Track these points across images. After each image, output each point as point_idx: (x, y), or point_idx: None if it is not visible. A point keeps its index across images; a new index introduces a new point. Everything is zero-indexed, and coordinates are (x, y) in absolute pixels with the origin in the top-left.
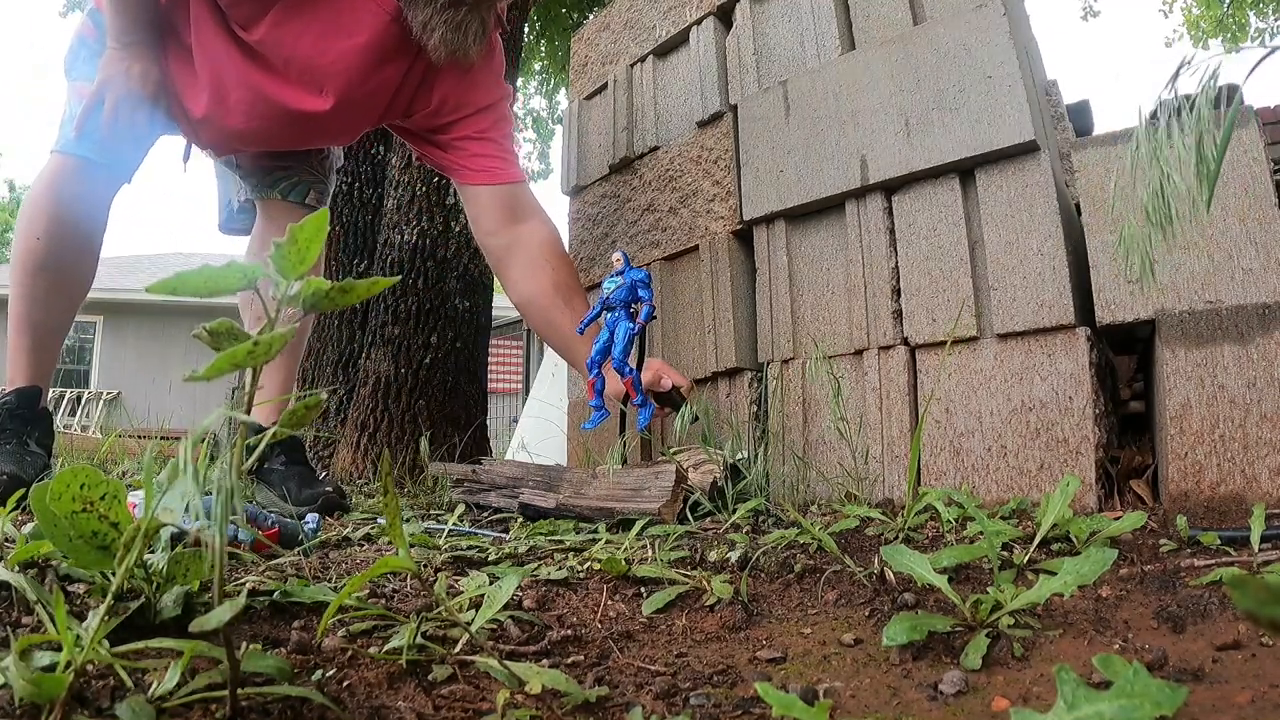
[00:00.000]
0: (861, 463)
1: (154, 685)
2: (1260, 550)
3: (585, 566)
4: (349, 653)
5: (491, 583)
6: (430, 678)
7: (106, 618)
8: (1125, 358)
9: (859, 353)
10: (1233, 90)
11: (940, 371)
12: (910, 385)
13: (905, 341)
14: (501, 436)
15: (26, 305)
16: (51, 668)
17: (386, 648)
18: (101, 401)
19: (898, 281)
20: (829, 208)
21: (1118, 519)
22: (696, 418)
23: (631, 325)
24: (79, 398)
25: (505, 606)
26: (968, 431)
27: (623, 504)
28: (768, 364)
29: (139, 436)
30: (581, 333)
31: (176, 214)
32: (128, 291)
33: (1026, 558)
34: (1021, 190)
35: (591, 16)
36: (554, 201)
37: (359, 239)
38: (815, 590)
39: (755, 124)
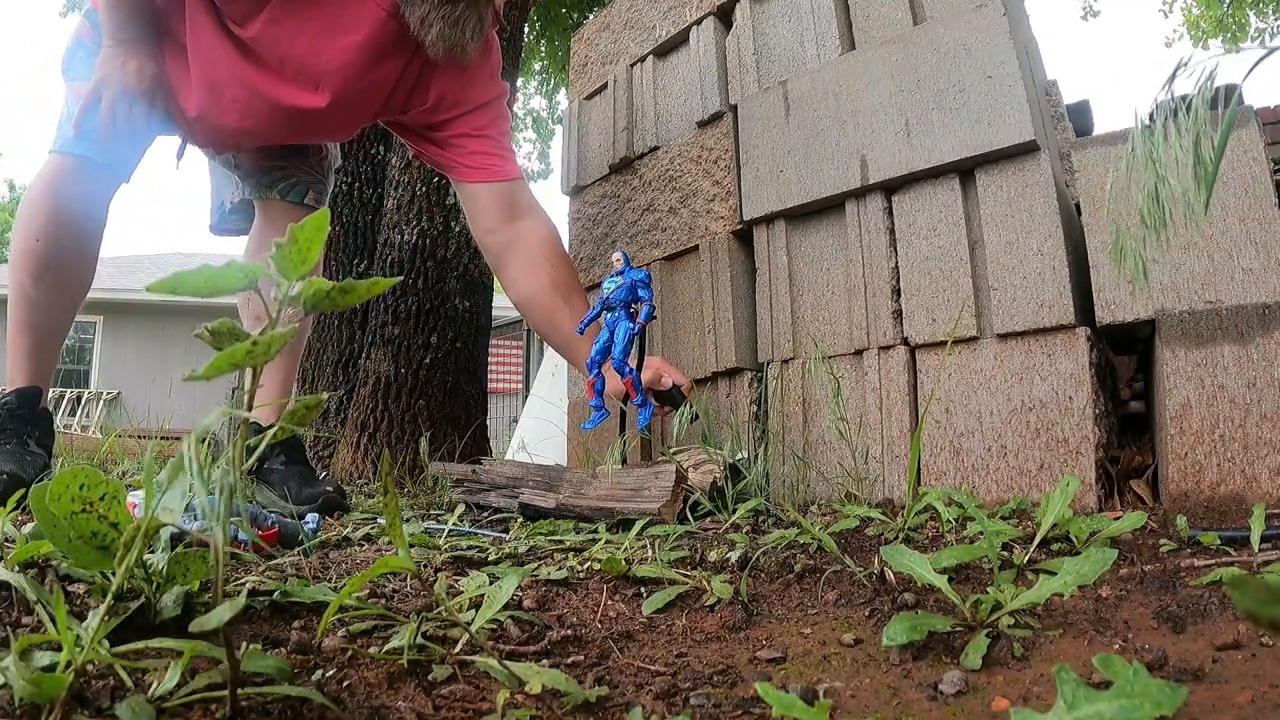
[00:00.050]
0: (861, 463)
1: (154, 685)
2: (1260, 550)
3: (585, 566)
4: (349, 653)
5: (491, 583)
6: (430, 678)
7: (106, 618)
8: (1125, 358)
9: (859, 353)
10: (1230, 90)
11: (940, 371)
12: (910, 385)
13: (905, 341)
14: (501, 436)
15: (26, 305)
16: (51, 668)
17: (386, 648)
18: (101, 401)
19: (898, 281)
20: (829, 208)
21: (1118, 519)
22: (696, 416)
23: (631, 325)
24: (79, 398)
25: (505, 606)
26: (968, 431)
27: (623, 504)
28: (768, 364)
29: (139, 436)
30: (581, 333)
31: (176, 214)
32: (128, 291)
33: (1026, 558)
34: (1021, 190)
35: (591, 16)
36: (554, 201)
37: (359, 239)
38: (815, 590)
39: (755, 124)
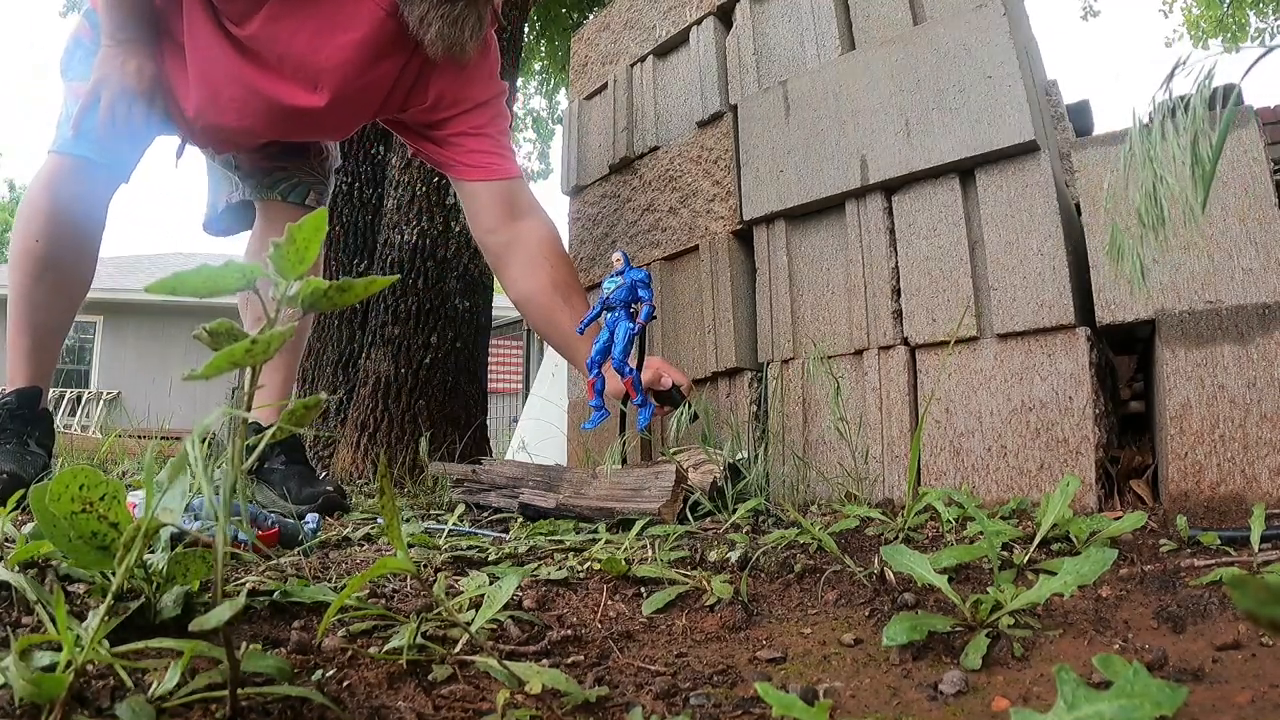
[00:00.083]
0: (861, 463)
1: (154, 685)
2: (1260, 550)
3: (585, 566)
4: (349, 653)
5: (491, 583)
6: (430, 678)
7: (106, 618)
8: (1125, 358)
9: (859, 353)
10: (1228, 90)
11: (940, 371)
12: (910, 385)
13: (905, 341)
14: (501, 436)
15: (26, 306)
16: (51, 668)
17: (386, 648)
18: (101, 401)
19: (898, 281)
20: (829, 208)
21: (1118, 519)
22: (696, 416)
23: (631, 325)
24: (79, 398)
25: (505, 606)
26: (968, 431)
27: (623, 504)
28: (768, 364)
29: (139, 436)
30: (581, 333)
31: (176, 214)
32: (128, 291)
33: (1026, 558)
34: (1021, 190)
35: (591, 16)
36: (554, 201)
37: (359, 239)
38: (815, 590)
39: (755, 124)
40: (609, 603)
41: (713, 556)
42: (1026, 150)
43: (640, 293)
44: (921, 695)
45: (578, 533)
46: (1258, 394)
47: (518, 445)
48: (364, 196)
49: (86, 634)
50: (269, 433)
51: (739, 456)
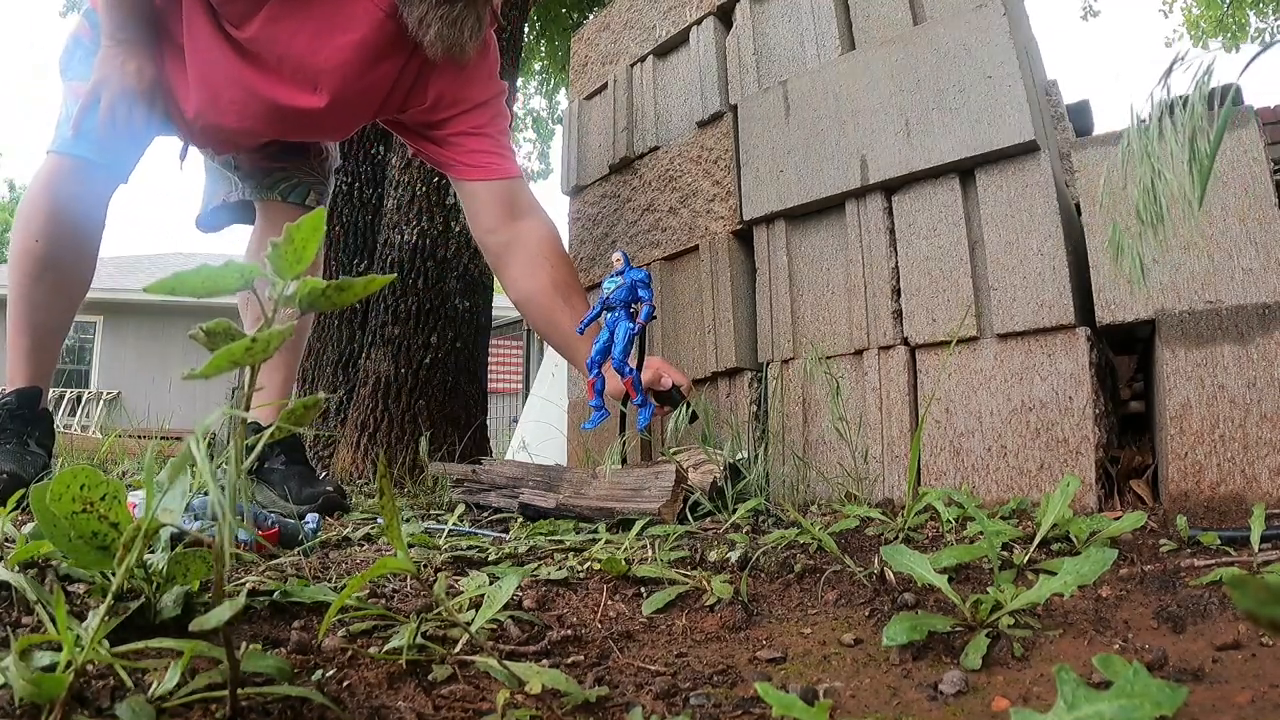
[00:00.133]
0: (861, 463)
1: (154, 685)
2: (1260, 550)
3: (585, 566)
4: (349, 653)
5: (491, 583)
6: (430, 678)
7: (106, 618)
8: (1125, 358)
9: (859, 353)
10: (1226, 89)
11: (940, 371)
12: (910, 385)
13: (905, 341)
14: (501, 436)
15: (26, 306)
16: (51, 668)
17: (386, 648)
18: (101, 401)
19: (898, 281)
20: (829, 208)
21: (1118, 519)
22: (696, 417)
23: (631, 325)
24: (79, 398)
25: (505, 606)
26: (968, 431)
27: (623, 504)
28: (768, 364)
29: (139, 436)
30: (581, 333)
31: (176, 214)
32: (128, 291)
33: (1026, 558)
34: (1021, 190)
35: (591, 16)
36: (554, 201)
37: (359, 239)
38: (815, 590)
39: (755, 124)
40: (609, 603)
41: (713, 556)
42: (1026, 150)
43: (640, 293)
44: (921, 695)
45: (578, 533)
46: (1258, 394)
47: (518, 445)
48: (364, 196)
49: (86, 634)
50: (268, 432)
51: (739, 456)
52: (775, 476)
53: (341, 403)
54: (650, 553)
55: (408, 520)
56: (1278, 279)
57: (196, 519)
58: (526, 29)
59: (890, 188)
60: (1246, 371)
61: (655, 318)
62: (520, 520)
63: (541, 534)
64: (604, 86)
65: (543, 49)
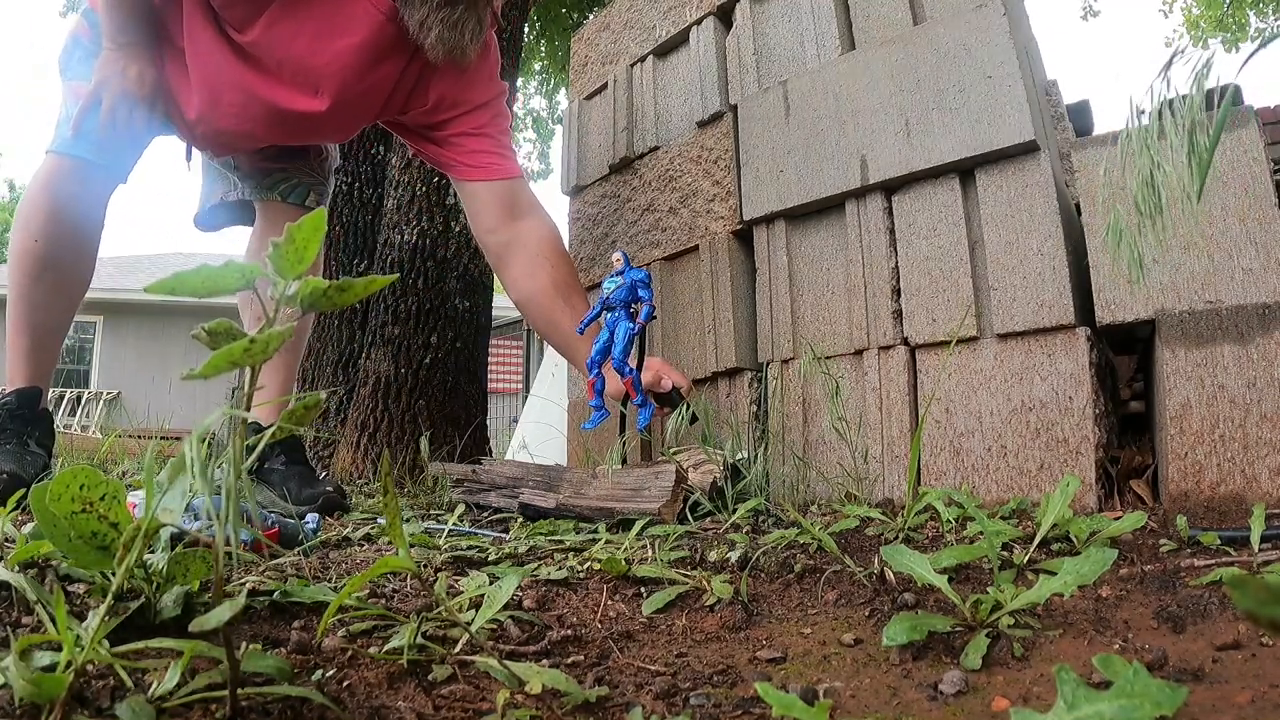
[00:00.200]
0: (861, 463)
1: (154, 685)
2: (1260, 550)
3: (585, 566)
4: (349, 653)
5: (491, 583)
6: (430, 678)
7: (106, 618)
8: (1125, 358)
9: (859, 353)
10: (1225, 89)
11: (940, 371)
12: (910, 385)
13: (905, 341)
14: (501, 436)
15: (25, 306)
16: (51, 668)
17: (386, 648)
18: (101, 401)
19: (898, 281)
20: (829, 208)
21: (1118, 519)
22: (696, 418)
23: (631, 325)
24: (79, 398)
25: (505, 606)
26: (968, 431)
27: (623, 504)
28: (768, 364)
29: (139, 436)
30: (581, 333)
31: (176, 214)
32: (128, 291)
33: (1026, 558)
34: (1021, 190)
35: (591, 16)
36: (554, 201)
37: (359, 239)
38: (815, 590)
39: (755, 124)
40: (609, 603)
41: (713, 556)
42: (1026, 150)
43: (640, 293)
44: (921, 695)
45: (578, 533)
46: (1258, 394)
47: (518, 445)
48: (364, 196)
49: (86, 634)
50: (269, 433)
51: (739, 456)
52: (775, 476)
53: (341, 403)
54: (650, 553)
55: (408, 520)
56: (1278, 279)
57: (197, 519)
58: (526, 29)
59: (890, 188)
60: (1246, 371)
61: (655, 318)
62: (520, 520)
63: (541, 534)
64: (604, 86)
65: (543, 49)
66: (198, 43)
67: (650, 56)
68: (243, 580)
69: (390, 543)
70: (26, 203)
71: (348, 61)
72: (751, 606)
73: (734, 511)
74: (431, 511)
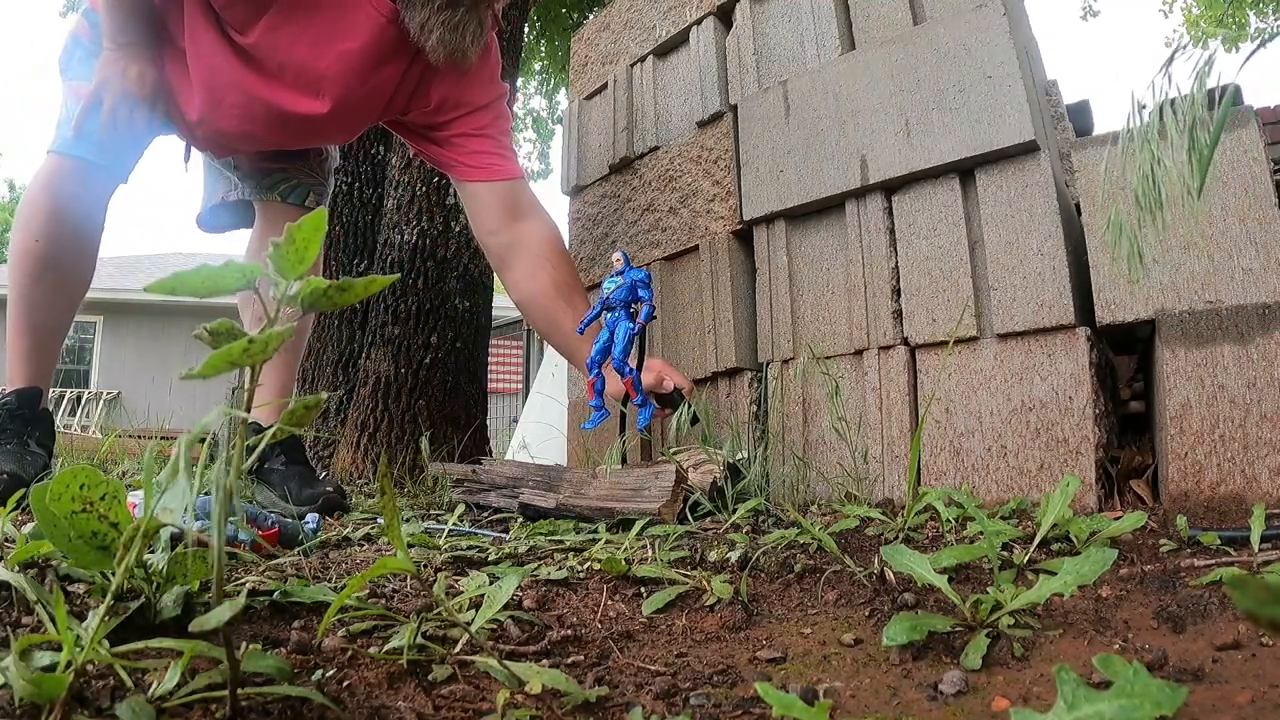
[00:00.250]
0: (861, 463)
1: (154, 685)
2: (1260, 550)
3: (585, 566)
4: (349, 653)
5: (491, 583)
6: (430, 678)
7: (106, 618)
8: (1125, 358)
9: (859, 353)
10: (1225, 88)
11: (940, 371)
12: (910, 385)
13: (905, 341)
14: (501, 436)
15: (26, 306)
16: (51, 668)
17: (386, 648)
18: (101, 401)
19: (898, 281)
20: (829, 208)
21: (1118, 519)
22: (696, 419)
23: (631, 325)
24: (79, 398)
25: (505, 606)
26: (968, 431)
27: (623, 504)
28: (768, 364)
29: (139, 436)
30: (582, 333)
31: (176, 214)
32: (128, 291)
33: (1026, 558)
34: (1021, 190)
35: (591, 16)
36: (554, 201)
37: (359, 239)
38: (815, 590)
39: (755, 124)
40: (609, 603)
41: (713, 556)
42: (1026, 150)
43: (640, 293)
44: (921, 695)
45: (578, 533)
46: (1258, 394)
47: (518, 445)
48: (364, 196)
49: (86, 634)
50: (269, 433)
51: (739, 456)
52: (775, 476)
53: (341, 403)
54: (650, 553)
55: (408, 520)
56: (1278, 279)
57: (197, 519)
58: (526, 29)
59: (890, 188)
60: (1246, 371)
61: (655, 318)
62: (520, 520)
63: (541, 534)
64: (604, 86)
65: (543, 49)
66: (199, 44)
67: (650, 56)
68: (243, 580)
69: (390, 542)
70: (27, 203)
71: (350, 64)
72: (751, 606)
73: (734, 511)
74: (431, 511)
